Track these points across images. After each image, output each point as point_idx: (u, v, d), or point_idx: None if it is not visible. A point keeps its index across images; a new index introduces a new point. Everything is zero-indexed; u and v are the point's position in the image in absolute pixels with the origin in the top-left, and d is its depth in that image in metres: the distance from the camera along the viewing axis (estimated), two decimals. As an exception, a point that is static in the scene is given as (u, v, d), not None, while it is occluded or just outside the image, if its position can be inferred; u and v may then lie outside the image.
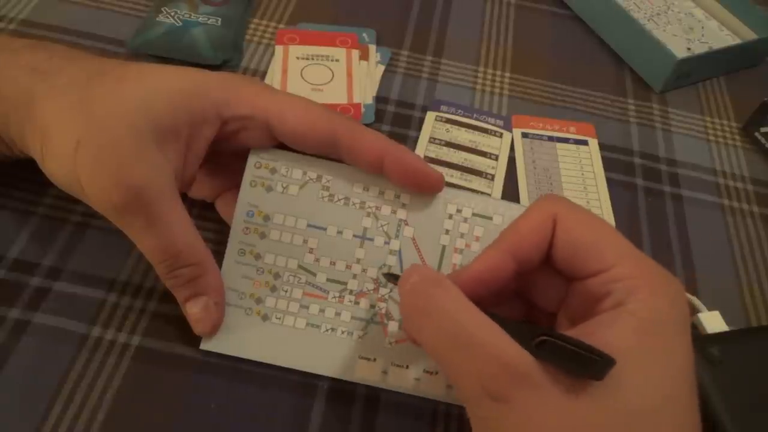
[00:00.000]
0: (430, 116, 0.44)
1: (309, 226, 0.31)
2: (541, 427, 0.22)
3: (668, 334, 0.23)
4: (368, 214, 0.32)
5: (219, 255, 0.31)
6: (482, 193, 0.40)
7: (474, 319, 0.23)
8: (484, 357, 0.22)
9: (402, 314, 0.26)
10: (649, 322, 0.23)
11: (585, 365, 0.21)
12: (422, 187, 0.31)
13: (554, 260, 0.26)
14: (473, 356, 0.23)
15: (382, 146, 0.30)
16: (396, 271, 0.31)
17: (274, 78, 0.44)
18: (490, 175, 0.41)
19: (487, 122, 0.44)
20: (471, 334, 0.23)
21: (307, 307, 0.31)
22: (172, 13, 0.46)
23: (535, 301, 0.28)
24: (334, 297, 0.31)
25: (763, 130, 0.46)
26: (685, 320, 0.24)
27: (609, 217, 0.40)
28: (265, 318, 0.31)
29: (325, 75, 0.44)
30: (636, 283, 0.24)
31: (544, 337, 0.22)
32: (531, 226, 0.26)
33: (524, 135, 0.44)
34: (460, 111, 0.44)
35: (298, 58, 0.45)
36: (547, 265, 0.27)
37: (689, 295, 0.36)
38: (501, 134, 0.43)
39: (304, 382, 0.30)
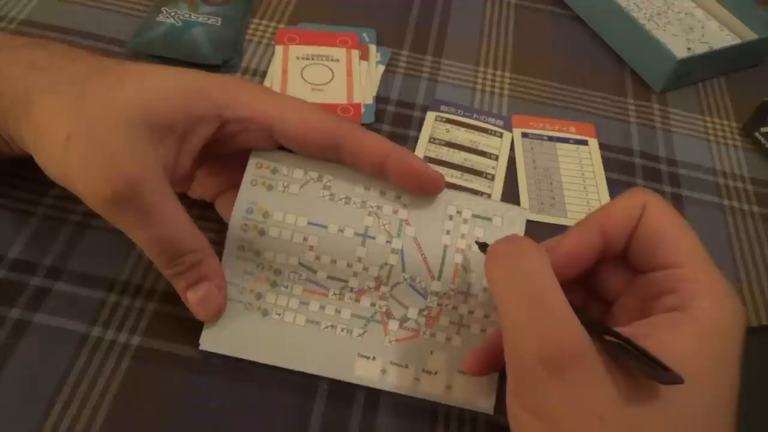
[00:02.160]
0: (430, 116, 0.44)
1: (309, 223, 0.31)
2: (586, 410, 0.22)
3: (725, 348, 0.23)
4: (370, 213, 0.32)
5: (219, 255, 0.31)
6: (482, 193, 0.40)
7: (553, 285, 0.23)
8: (553, 323, 0.22)
9: (488, 254, 0.26)
10: (711, 332, 0.23)
11: (650, 374, 0.21)
12: (423, 188, 0.31)
13: (630, 247, 0.27)
14: (542, 318, 0.22)
15: (383, 148, 0.30)
16: (398, 270, 0.31)
17: (274, 78, 0.44)
18: (490, 175, 0.41)
19: (487, 122, 0.44)
20: (547, 297, 0.23)
21: (307, 304, 0.31)
22: (172, 13, 0.46)
23: (596, 289, 0.28)
24: (335, 294, 0.31)
25: (763, 130, 0.46)
26: (741, 338, 0.24)
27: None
28: (264, 313, 0.31)
29: (325, 75, 0.44)
30: (701, 289, 0.24)
31: (614, 339, 0.22)
32: (623, 207, 0.26)
33: (524, 135, 0.44)
34: (460, 111, 0.44)
35: (298, 58, 0.45)
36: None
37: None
38: (501, 134, 0.43)
39: (304, 382, 0.30)
